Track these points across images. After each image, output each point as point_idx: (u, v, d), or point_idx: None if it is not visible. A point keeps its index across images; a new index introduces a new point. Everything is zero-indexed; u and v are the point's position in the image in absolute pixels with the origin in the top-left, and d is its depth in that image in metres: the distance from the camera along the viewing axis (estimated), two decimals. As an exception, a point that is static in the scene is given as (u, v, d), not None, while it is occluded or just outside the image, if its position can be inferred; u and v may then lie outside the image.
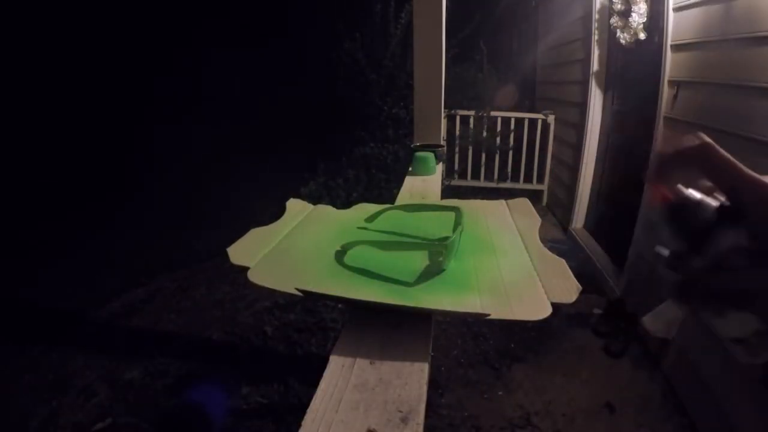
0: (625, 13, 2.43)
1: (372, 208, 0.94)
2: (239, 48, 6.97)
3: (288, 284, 0.61)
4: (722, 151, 0.31)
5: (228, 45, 7.12)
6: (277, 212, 0.90)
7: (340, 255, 0.71)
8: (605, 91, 3.07)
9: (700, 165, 0.32)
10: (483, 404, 1.80)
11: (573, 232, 3.32)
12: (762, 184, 0.30)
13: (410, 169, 1.47)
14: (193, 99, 7.20)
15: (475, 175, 4.42)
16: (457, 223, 0.80)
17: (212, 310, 2.42)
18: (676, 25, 2.03)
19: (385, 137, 3.41)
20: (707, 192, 0.33)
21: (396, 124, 3.43)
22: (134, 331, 2.25)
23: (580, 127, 3.29)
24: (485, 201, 1.02)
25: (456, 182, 4.35)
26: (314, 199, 2.14)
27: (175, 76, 7.29)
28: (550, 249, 0.74)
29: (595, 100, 3.11)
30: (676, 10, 2.01)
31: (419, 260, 0.69)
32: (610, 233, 2.92)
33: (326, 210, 0.96)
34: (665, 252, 0.33)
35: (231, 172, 5.36)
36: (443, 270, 0.66)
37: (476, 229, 0.85)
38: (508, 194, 3.56)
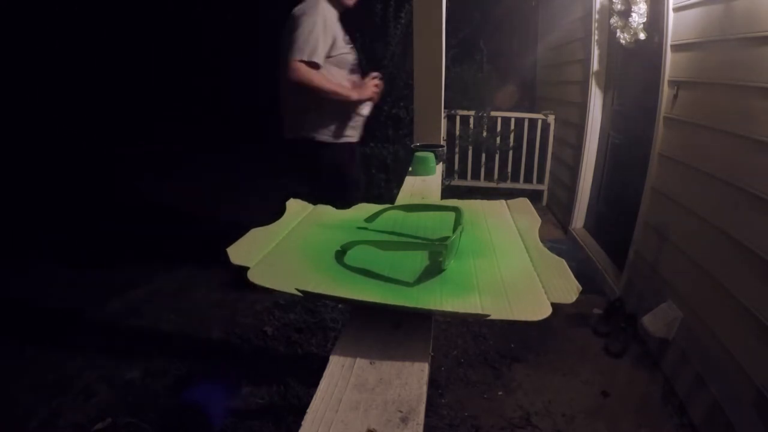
0: (625, 13, 2.43)
1: (372, 208, 0.94)
2: (237, 47, 6.97)
3: (288, 284, 0.61)
4: None
5: (226, 44, 7.12)
6: (277, 212, 0.90)
7: (340, 255, 0.71)
8: (605, 91, 3.07)
9: None
10: (483, 404, 1.80)
11: (573, 232, 3.32)
12: None
13: (410, 169, 1.47)
14: (194, 98, 7.21)
15: (475, 175, 4.42)
16: (457, 223, 0.80)
17: (212, 310, 2.42)
18: (676, 25, 2.03)
19: (385, 137, 3.40)
20: None
21: (396, 124, 3.42)
22: (134, 331, 2.25)
23: (580, 127, 3.29)
24: (485, 201, 1.02)
25: (456, 182, 4.35)
26: (314, 199, 2.14)
27: (175, 74, 7.30)
28: (550, 249, 0.74)
29: (595, 100, 3.11)
30: (676, 10, 2.01)
31: (419, 260, 0.69)
32: (610, 233, 2.92)
33: (326, 210, 0.96)
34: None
35: (231, 171, 5.36)
36: (443, 270, 0.66)
37: (476, 229, 0.85)
38: (508, 194, 3.55)
